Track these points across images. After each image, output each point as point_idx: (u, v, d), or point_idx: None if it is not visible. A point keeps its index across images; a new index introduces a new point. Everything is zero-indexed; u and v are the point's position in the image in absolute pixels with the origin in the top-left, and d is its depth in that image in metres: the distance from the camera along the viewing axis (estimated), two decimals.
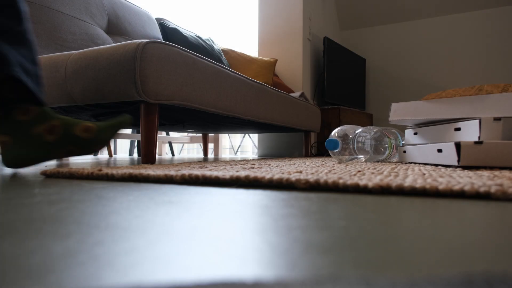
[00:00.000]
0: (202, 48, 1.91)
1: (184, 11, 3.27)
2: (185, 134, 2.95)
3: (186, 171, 0.53)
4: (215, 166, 0.70)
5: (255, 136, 3.47)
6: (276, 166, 0.71)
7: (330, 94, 2.47)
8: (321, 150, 2.43)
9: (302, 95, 2.14)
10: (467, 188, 0.35)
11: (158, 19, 1.96)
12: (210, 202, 0.32)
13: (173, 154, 2.83)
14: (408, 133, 0.98)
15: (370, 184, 0.38)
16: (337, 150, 0.97)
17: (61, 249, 0.17)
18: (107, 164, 1.15)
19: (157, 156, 2.56)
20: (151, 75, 0.98)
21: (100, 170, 0.57)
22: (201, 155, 3.08)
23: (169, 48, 1.03)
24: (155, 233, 0.21)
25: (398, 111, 0.86)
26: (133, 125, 1.63)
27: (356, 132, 0.97)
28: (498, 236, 0.20)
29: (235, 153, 3.49)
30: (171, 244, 0.18)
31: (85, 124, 0.73)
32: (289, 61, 2.46)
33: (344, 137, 0.97)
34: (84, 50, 1.07)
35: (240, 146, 3.66)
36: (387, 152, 0.98)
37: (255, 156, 2.51)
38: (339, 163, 0.92)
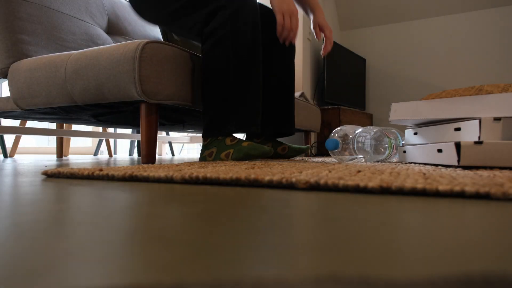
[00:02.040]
0: None
1: None
2: (185, 134, 2.95)
3: (186, 171, 0.53)
4: (215, 166, 0.70)
5: None
6: (276, 166, 0.71)
7: (330, 94, 2.47)
8: (321, 150, 2.43)
9: (302, 95, 2.14)
10: (467, 188, 0.35)
11: None
12: (210, 202, 0.32)
13: (173, 154, 2.83)
14: (408, 133, 0.98)
15: (370, 184, 0.38)
16: (337, 150, 0.97)
17: (61, 249, 0.17)
18: (107, 164, 1.15)
19: (157, 156, 2.56)
20: (151, 75, 0.98)
21: (100, 170, 0.57)
22: None
23: (169, 48, 1.03)
24: (155, 233, 0.21)
25: (398, 111, 0.86)
26: (133, 125, 1.63)
27: (356, 132, 0.97)
28: (498, 236, 0.20)
29: None
30: (171, 244, 0.18)
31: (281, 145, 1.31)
32: None
33: (344, 137, 0.97)
34: (84, 50, 1.07)
35: None
36: (387, 152, 0.98)
37: None
38: (339, 163, 0.92)
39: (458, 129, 0.77)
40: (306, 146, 1.33)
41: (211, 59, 1.02)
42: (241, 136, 1.99)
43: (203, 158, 1.07)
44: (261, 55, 1.06)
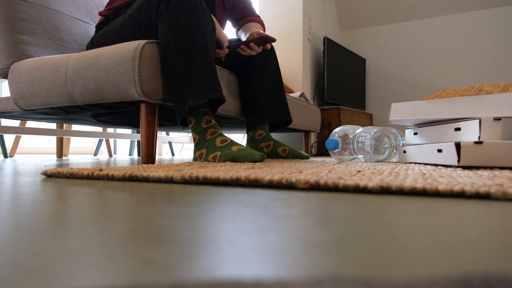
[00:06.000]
0: None
1: None
2: (185, 134, 2.95)
3: (186, 171, 0.53)
4: (215, 166, 0.70)
5: None
6: (276, 166, 0.71)
7: (330, 94, 2.47)
8: (321, 150, 2.43)
9: (302, 95, 2.14)
10: (467, 188, 0.35)
11: None
12: (210, 202, 0.32)
13: (173, 154, 2.83)
14: (408, 133, 0.98)
15: (370, 184, 0.38)
16: (337, 150, 0.97)
17: (61, 249, 0.17)
18: (107, 164, 1.15)
19: (157, 156, 2.56)
20: (151, 75, 0.98)
21: (100, 170, 0.57)
22: None
23: None
24: (154, 234, 0.21)
25: (398, 111, 0.86)
26: (133, 125, 1.62)
27: (356, 132, 0.97)
28: (498, 236, 0.20)
29: None
30: (171, 244, 0.18)
31: (284, 147, 1.35)
32: (289, 61, 2.46)
33: (344, 137, 0.97)
34: (85, 51, 1.07)
35: None
36: (387, 152, 0.98)
37: None
38: (339, 163, 0.92)
39: (458, 129, 0.77)
40: (306, 154, 1.35)
41: (160, 52, 1.01)
42: (240, 135, 1.97)
43: (194, 159, 1.06)
44: (202, 19, 1.03)
